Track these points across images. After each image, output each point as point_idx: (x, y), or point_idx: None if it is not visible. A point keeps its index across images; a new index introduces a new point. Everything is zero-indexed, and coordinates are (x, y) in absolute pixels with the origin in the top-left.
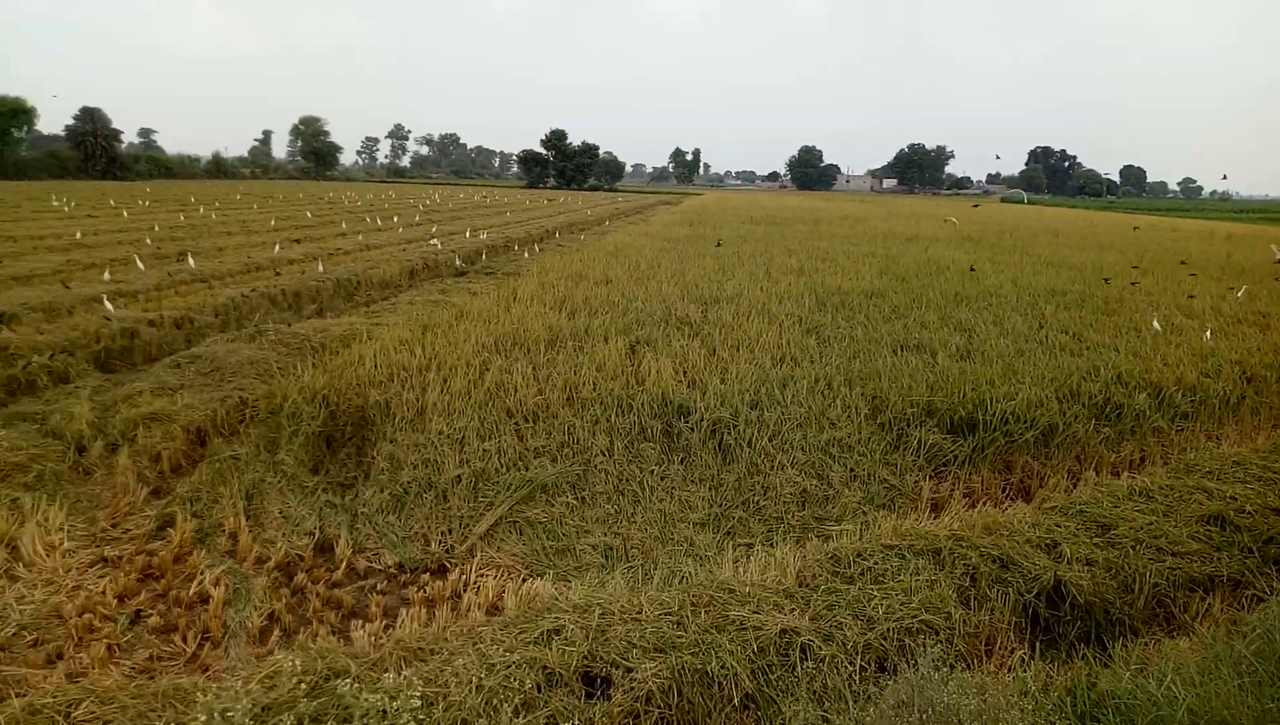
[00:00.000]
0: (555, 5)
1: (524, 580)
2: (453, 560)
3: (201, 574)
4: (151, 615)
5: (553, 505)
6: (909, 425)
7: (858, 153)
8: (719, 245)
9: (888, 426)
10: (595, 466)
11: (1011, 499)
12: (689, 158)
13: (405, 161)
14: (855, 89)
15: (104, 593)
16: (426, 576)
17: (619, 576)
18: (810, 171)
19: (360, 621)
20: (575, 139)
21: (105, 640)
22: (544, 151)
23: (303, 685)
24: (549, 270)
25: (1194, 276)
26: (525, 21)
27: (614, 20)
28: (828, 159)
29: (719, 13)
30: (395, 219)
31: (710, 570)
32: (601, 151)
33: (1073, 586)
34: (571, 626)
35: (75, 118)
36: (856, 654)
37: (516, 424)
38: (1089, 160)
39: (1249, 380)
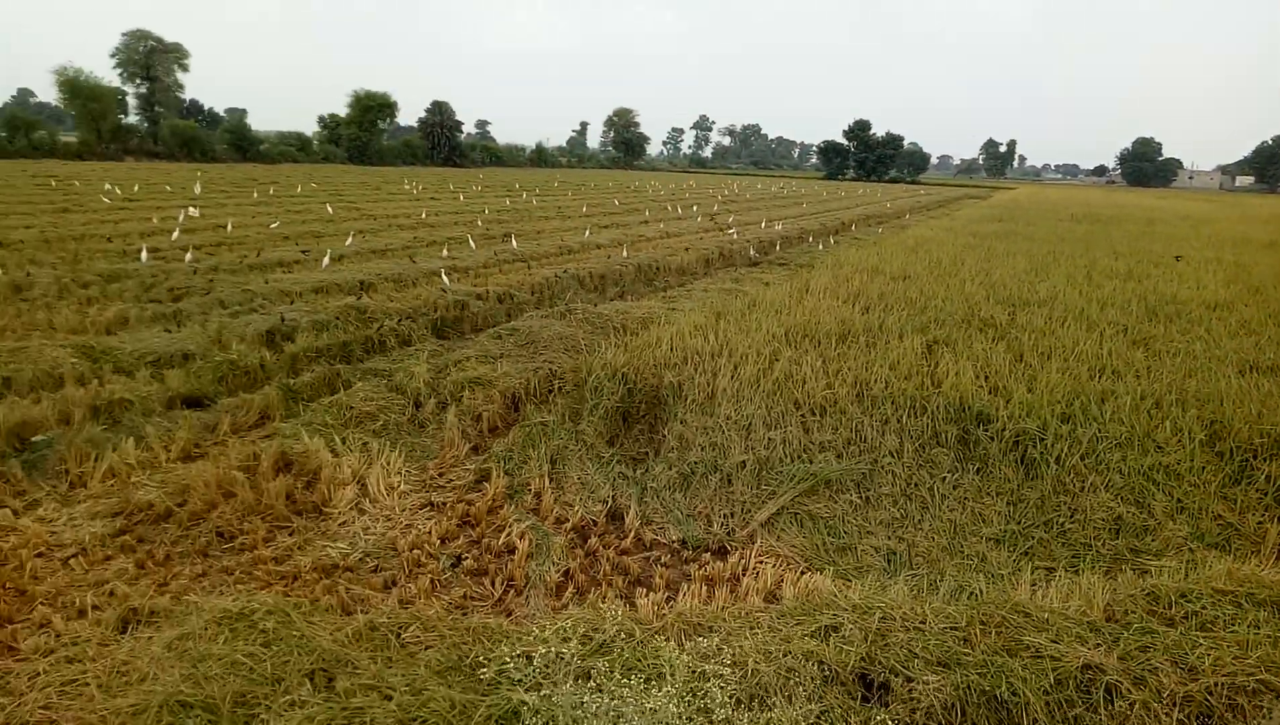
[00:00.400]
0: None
1: (802, 573)
2: (733, 543)
3: (509, 527)
4: (466, 558)
5: (835, 501)
6: (1255, 457)
7: (1206, 146)
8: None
9: (1228, 456)
10: (882, 467)
11: None
12: (1002, 149)
13: (707, 152)
14: (1209, 77)
15: (430, 533)
16: (707, 556)
17: (901, 582)
18: (1145, 166)
19: (644, 590)
20: (880, 129)
21: (429, 575)
22: (845, 142)
23: (592, 640)
24: (843, 263)
25: None
26: (835, 13)
27: (936, 15)
28: (1168, 151)
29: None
30: (695, 208)
31: (1003, 590)
32: (906, 142)
33: None
34: (850, 626)
35: (426, 110)
36: (1174, 705)
37: (803, 416)
38: None
39: None
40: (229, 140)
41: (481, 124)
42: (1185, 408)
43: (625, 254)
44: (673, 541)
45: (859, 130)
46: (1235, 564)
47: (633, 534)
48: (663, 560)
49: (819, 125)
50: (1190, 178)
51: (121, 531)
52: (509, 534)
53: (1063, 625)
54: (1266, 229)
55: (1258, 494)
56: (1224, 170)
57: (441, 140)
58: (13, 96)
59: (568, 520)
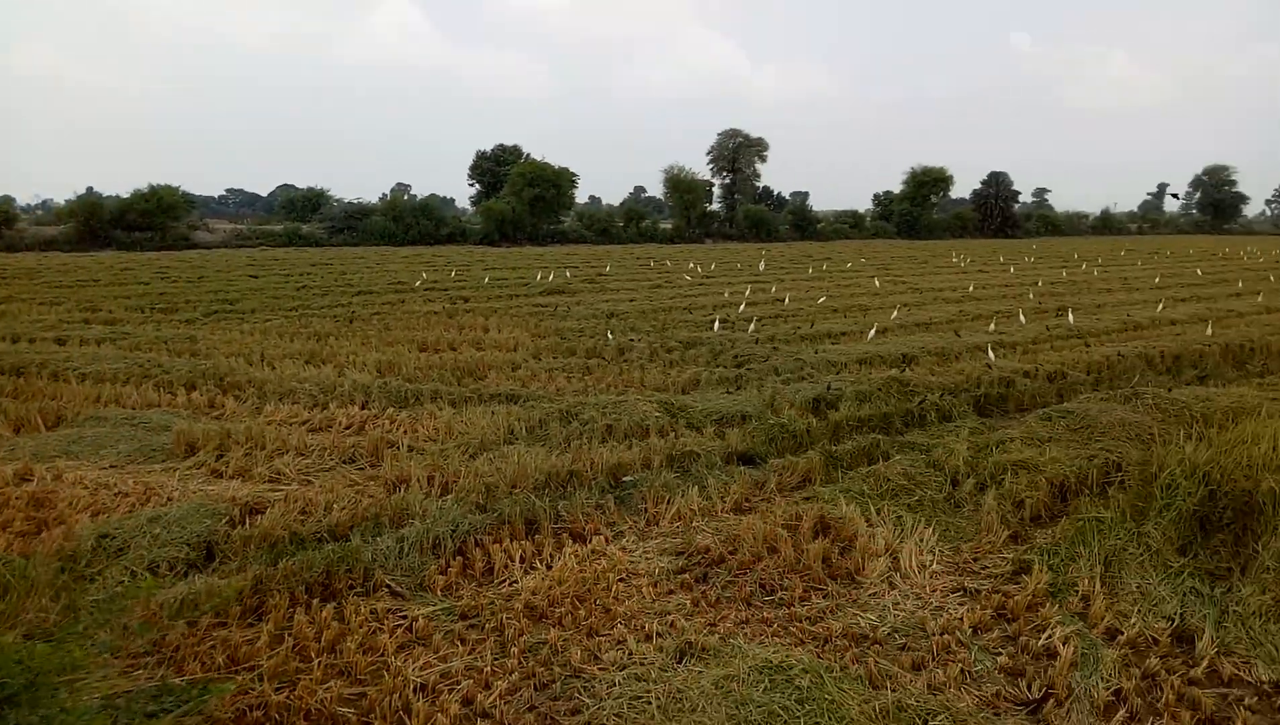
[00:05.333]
0: None
1: None
2: None
3: (1052, 628)
4: (1000, 654)
5: None
6: None
7: None
8: None
9: None
10: None
11: None
12: None
13: None
14: None
15: (961, 620)
16: None
17: None
18: None
19: None
20: None
21: (960, 664)
22: None
23: None
24: None
25: None
26: None
27: None
28: None
29: None
30: None
31: None
32: None
33: None
34: None
35: (982, 182)
36: None
37: None
38: None
39: None
40: (791, 220)
41: (1039, 192)
42: None
43: (1209, 331)
44: (1262, 681)
45: None
46: None
47: (1206, 662)
48: (1247, 702)
49: None
50: None
51: (682, 569)
52: (1050, 636)
53: None
54: None
55: None
56: None
57: (994, 211)
58: (630, 193)
59: (1122, 633)
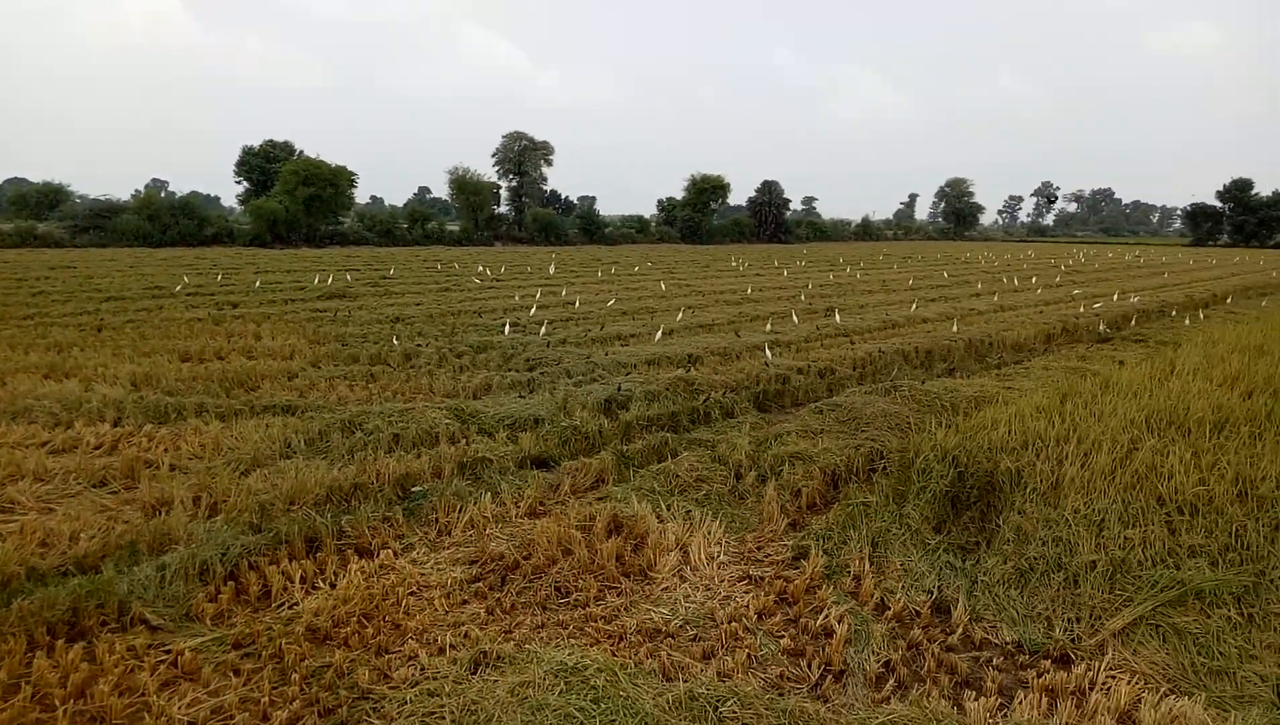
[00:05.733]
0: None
1: (1164, 695)
2: (1078, 652)
3: (828, 609)
4: (783, 637)
5: (1208, 616)
6: None
7: None
8: None
9: None
10: (1271, 580)
11: None
12: None
13: (1049, 219)
14: None
15: (747, 607)
16: (1046, 663)
17: None
18: None
19: (973, 693)
20: (1264, 188)
21: (746, 650)
22: (1218, 205)
23: None
24: (1217, 341)
25: None
26: (1206, 64)
27: None
28: None
29: None
30: (1034, 279)
31: None
32: None
33: None
34: None
35: (756, 190)
36: None
37: (1168, 514)
38: None
39: None
40: (579, 225)
41: (808, 200)
42: None
43: (955, 328)
44: (1006, 642)
45: (1237, 191)
46: None
47: (960, 629)
48: (994, 662)
49: (1182, 188)
50: None
51: (477, 578)
52: (827, 616)
53: None
54: None
55: None
56: None
57: (768, 218)
58: (414, 194)
59: (889, 608)
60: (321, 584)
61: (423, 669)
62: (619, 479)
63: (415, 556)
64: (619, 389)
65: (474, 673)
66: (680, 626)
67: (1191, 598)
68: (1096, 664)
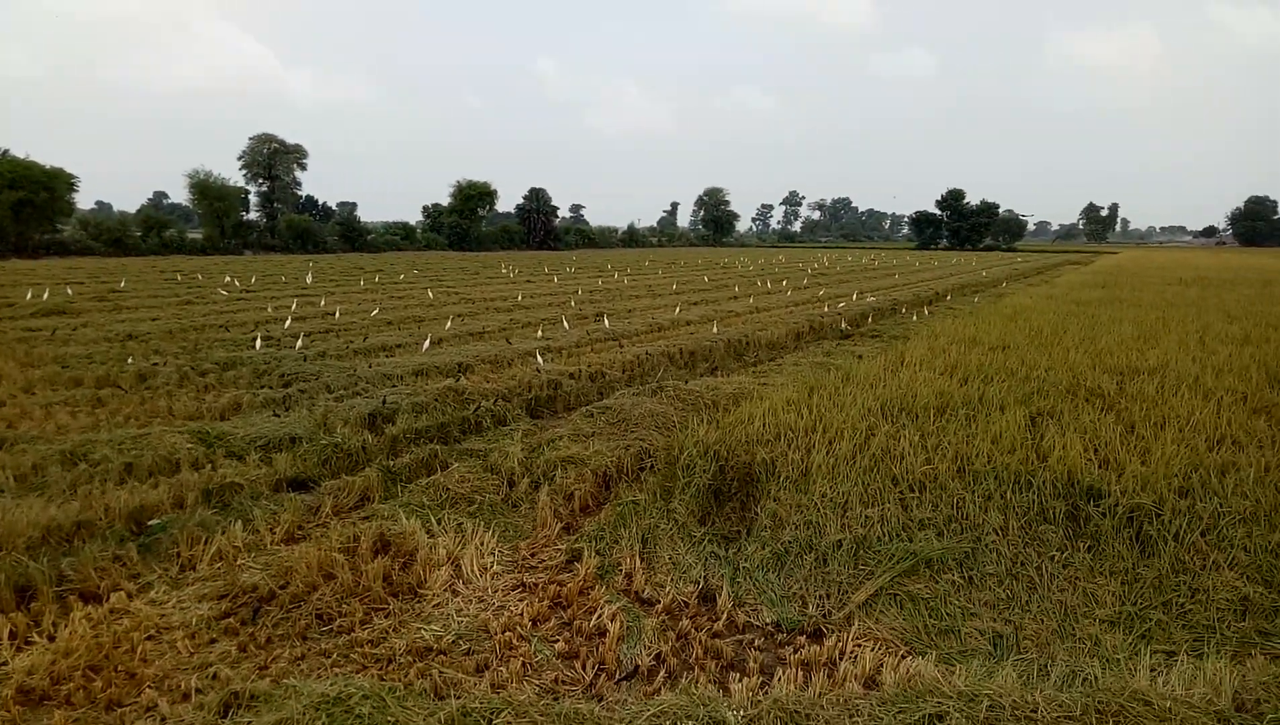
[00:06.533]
0: (962, 60)
1: (903, 657)
2: (829, 626)
3: (601, 609)
4: (558, 641)
5: (936, 582)
6: None
7: None
8: None
9: None
10: (986, 545)
11: None
12: (1104, 213)
13: (796, 226)
14: None
15: (522, 615)
16: (802, 639)
17: (1009, 668)
18: (1259, 226)
19: (738, 675)
20: (974, 197)
21: (521, 658)
22: (938, 212)
23: None
24: (939, 334)
25: None
26: (928, 86)
27: (1016, 69)
28: None
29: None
30: (784, 282)
31: (1120, 676)
32: (1001, 210)
33: None
34: (956, 715)
35: (524, 197)
36: None
37: (901, 493)
38: None
39: None
40: (339, 232)
41: (576, 208)
42: None
43: (715, 330)
44: (767, 623)
45: (952, 200)
46: None
47: (725, 616)
48: (756, 643)
49: (910, 197)
50: None
51: (226, 614)
52: (600, 616)
53: (1188, 715)
54: None
55: None
56: None
57: (537, 225)
58: (149, 199)
59: (659, 601)
60: (37, 638)
61: (163, 720)
62: (386, 496)
63: (154, 596)
64: (384, 402)
65: (224, 716)
66: (453, 642)
67: (923, 566)
68: (845, 635)
